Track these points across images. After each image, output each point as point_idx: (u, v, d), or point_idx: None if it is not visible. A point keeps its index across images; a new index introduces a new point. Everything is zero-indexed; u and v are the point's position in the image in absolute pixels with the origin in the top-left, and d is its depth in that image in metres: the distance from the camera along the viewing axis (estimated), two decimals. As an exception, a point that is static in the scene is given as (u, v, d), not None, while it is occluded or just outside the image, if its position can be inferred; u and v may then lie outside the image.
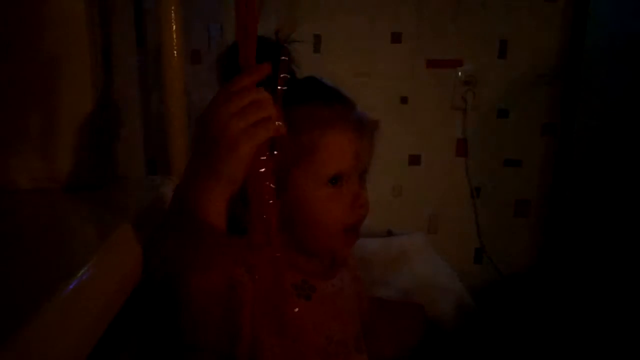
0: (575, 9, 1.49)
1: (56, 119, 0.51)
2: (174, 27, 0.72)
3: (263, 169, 0.50)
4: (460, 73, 1.52)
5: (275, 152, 0.53)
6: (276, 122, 0.50)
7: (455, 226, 1.62)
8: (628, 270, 1.19)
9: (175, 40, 0.73)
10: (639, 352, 1.14)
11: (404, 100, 1.54)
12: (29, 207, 0.49)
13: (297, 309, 0.62)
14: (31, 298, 0.32)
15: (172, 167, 0.76)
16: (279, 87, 0.56)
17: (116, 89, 0.68)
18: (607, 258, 1.27)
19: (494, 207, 1.61)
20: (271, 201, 0.51)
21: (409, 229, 1.56)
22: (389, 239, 1.47)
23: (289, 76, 0.59)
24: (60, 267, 0.37)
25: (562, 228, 1.49)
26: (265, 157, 0.50)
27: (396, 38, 1.50)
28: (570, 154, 1.46)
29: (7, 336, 0.27)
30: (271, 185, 0.51)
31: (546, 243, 1.64)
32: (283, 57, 0.61)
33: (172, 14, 0.72)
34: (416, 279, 1.35)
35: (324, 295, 0.66)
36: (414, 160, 1.58)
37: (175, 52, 0.73)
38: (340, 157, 0.61)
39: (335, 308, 0.67)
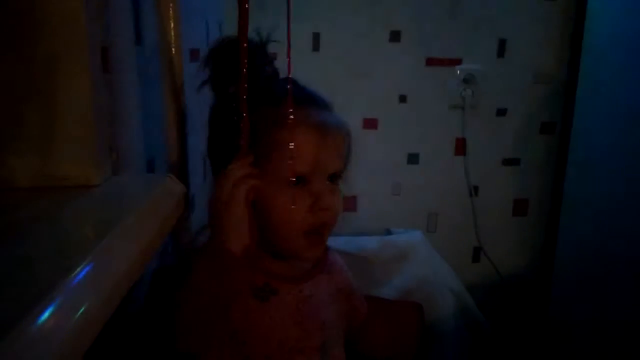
0: (574, 7, 1.49)
1: (55, 117, 0.51)
2: (172, 24, 0.72)
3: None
4: (459, 72, 1.52)
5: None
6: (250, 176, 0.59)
7: (453, 225, 1.63)
8: (627, 269, 1.19)
9: (173, 38, 0.72)
10: (639, 352, 1.14)
11: (402, 98, 1.54)
12: (28, 205, 0.49)
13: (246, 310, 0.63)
14: (28, 296, 0.32)
15: (171, 165, 0.76)
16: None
17: (114, 87, 0.68)
18: (606, 257, 1.27)
19: (492, 206, 1.62)
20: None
21: (408, 227, 1.56)
22: (387, 238, 1.48)
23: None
24: (59, 265, 0.37)
25: (561, 227, 1.50)
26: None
27: (395, 37, 1.50)
28: (569, 153, 1.46)
29: (4, 335, 0.27)
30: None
31: (544, 242, 1.64)
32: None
33: (171, 12, 0.72)
34: (415, 278, 1.35)
35: (286, 300, 0.65)
36: (413, 159, 1.58)
37: (173, 49, 0.73)
38: (300, 157, 0.61)
39: (298, 314, 0.66)
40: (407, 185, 1.59)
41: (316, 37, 1.48)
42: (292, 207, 0.62)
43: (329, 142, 0.63)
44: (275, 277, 0.66)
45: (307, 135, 0.62)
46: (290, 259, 0.67)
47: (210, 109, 0.68)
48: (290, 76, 0.61)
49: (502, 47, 1.52)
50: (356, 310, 0.77)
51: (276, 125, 0.60)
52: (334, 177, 0.66)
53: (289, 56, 0.59)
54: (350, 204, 1.52)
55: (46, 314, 0.30)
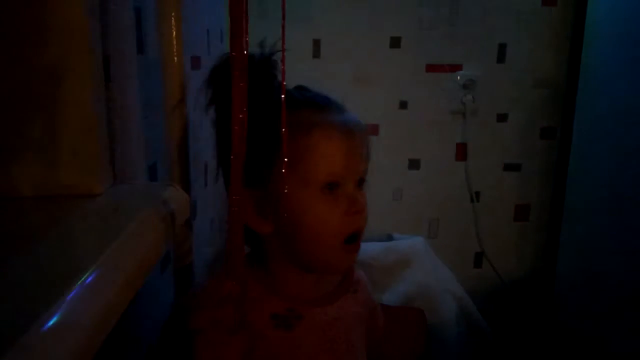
0: (573, 13, 1.50)
1: (57, 126, 0.51)
2: (174, 33, 0.72)
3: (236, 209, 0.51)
4: (459, 77, 1.52)
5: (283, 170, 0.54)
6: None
7: (455, 230, 1.63)
8: (629, 273, 1.19)
9: (175, 46, 0.73)
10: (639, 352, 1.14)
11: (403, 104, 1.54)
12: (31, 214, 0.49)
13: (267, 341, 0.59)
14: (32, 306, 0.32)
15: (173, 173, 0.76)
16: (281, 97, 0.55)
17: (116, 95, 0.68)
18: (608, 261, 1.27)
19: (493, 211, 1.62)
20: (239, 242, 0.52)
21: (409, 233, 1.56)
22: (389, 244, 1.48)
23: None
24: (62, 274, 0.37)
25: (562, 232, 1.49)
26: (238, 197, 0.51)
27: (395, 43, 1.51)
28: (569, 157, 1.46)
29: (10, 343, 0.27)
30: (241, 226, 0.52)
31: (546, 247, 1.64)
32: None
33: (172, 21, 0.72)
34: (416, 284, 1.35)
35: (313, 325, 0.62)
36: (414, 164, 1.58)
37: (175, 58, 0.73)
38: (329, 160, 0.58)
39: (326, 339, 0.62)
40: (408, 191, 1.59)
41: (317, 43, 1.49)
42: (330, 214, 0.59)
43: (356, 143, 0.60)
44: (298, 301, 0.62)
45: (334, 138, 0.59)
46: (312, 273, 0.64)
47: (216, 124, 0.66)
48: (284, 84, 0.59)
49: (502, 53, 1.52)
50: (376, 326, 0.75)
51: (300, 130, 0.57)
52: (361, 181, 0.63)
53: (283, 64, 0.57)
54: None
55: (50, 323, 0.31)
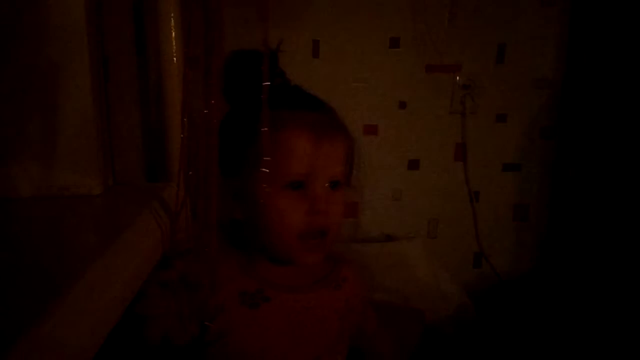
0: (572, 13, 1.50)
1: (56, 126, 0.51)
2: (173, 33, 0.72)
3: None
4: (458, 78, 1.52)
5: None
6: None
7: (454, 231, 1.62)
8: (628, 273, 1.19)
9: (174, 46, 0.73)
10: (638, 353, 1.14)
11: (402, 105, 1.54)
12: (30, 214, 0.49)
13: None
14: (32, 306, 0.32)
15: (171, 174, 0.76)
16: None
17: (115, 95, 0.68)
18: (606, 261, 1.27)
19: (493, 211, 1.62)
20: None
21: (408, 233, 1.56)
22: (388, 244, 1.48)
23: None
24: (61, 275, 0.37)
25: (562, 232, 1.49)
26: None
27: (394, 43, 1.50)
28: (569, 158, 1.46)
29: (10, 342, 0.27)
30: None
31: (545, 247, 1.64)
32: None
33: (172, 21, 0.72)
34: (416, 284, 1.35)
35: (279, 309, 0.64)
36: (413, 165, 1.58)
37: (174, 58, 0.73)
38: (293, 160, 0.60)
39: (289, 325, 0.65)
40: (407, 191, 1.59)
41: (316, 44, 1.49)
42: (289, 211, 0.61)
43: (325, 144, 0.62)
44: (271, 284, 0.65)
45: (301, 137, 0.61)
46: (286, 263, 0.66)
47: (223, 118, 0.67)
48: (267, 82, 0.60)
49: (501, 53, 1.52)
50: (367, 323, 0.77)
51: (271, 128, 0.58)
52: (336, 184, 0.64)
53: (265, 65, 0.57)
54: (351, 210, 1.52)
55: (50, 323, 0.31)
